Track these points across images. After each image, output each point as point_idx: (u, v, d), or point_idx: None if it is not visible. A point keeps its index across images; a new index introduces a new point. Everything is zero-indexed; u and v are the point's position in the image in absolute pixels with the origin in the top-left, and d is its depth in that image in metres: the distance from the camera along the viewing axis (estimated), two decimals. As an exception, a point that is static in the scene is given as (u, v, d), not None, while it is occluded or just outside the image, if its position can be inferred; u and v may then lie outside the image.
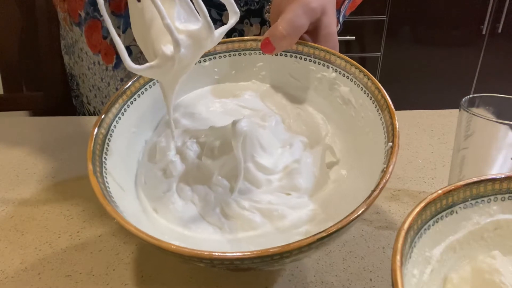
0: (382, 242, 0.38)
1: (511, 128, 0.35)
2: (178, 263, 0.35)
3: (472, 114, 0.37)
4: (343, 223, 0.26)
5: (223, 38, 0.35)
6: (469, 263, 0.26)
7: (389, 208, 0.43)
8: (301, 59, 0.42)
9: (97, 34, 0.63)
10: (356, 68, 0.38)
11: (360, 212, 0.26)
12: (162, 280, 0.34)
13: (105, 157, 0.33)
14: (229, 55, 0.44)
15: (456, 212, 0.26)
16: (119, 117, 0.37)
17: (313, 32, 0.42)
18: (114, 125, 0.36)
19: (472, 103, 0.39)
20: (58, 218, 0.41)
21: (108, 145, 0.34)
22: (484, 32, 1.91)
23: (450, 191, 0.25)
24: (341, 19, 0.58)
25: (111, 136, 0.35)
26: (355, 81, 0.38)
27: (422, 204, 0.24)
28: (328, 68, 0.40)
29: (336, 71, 0.39)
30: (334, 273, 0.35)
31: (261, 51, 0.41)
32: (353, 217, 0.26)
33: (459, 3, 1.83)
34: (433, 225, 0.25)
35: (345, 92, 0.39)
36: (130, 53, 0.61)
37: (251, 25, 0.60)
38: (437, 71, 1.93)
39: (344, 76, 0.39)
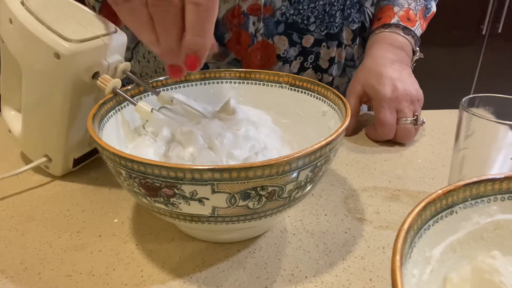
0: (382, 242, 0.38)
1: (511, 128, 0.35)
2: (178, 263, 0.36)
3: (472, 114, 0.37)
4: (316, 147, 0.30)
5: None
6: (469, 263, 0.26)
7: (389, 208, 0.43)
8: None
9: None
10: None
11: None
12: (162, 280, 0.34)
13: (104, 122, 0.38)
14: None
15: (456, 212, 0.26)
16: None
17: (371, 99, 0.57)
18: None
19: (472, 103, 0.39)
20: (58, 218, 0.41)
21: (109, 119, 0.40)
22: (484, 32, 1.91)
23: (450, 191, 0.25)
24: (418, 34, 0.64)
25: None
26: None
27: (422, 204, 0.24)
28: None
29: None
30: (334, 273, 0.35)
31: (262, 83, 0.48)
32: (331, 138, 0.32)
33: (459, 3, 1.83)
34: (433, 225, 0.25)
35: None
36: (207, 68, 0.64)
37: (328, 47, 0.65)
38: (437, 71, 1.94)
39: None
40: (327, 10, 0.61)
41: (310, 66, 0.65)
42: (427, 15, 0.66)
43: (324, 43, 0.64)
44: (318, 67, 0.66)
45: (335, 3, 0.62)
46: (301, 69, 0.65)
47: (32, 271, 0.35)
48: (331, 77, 0.67)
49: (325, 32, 0.63)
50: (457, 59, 1.96)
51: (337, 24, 0.63)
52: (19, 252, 0.37)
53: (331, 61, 0.66)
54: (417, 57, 0.64)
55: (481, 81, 2.02)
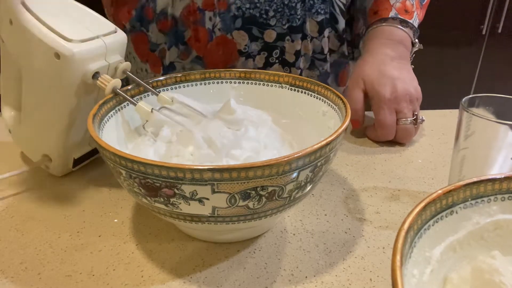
0: (382, 242, 0.38)
1: (511, 128, 0.35)
2: (178, 263, 0.36)
3: (472, 114, 0.37)
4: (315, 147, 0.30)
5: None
6: (469, 263, 0.26)
7: (389, 208, 0.43)
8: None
9: (144, 46, 0.65)
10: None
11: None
12: (162, 280, 0.34)
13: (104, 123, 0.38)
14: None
15: (456, 212, 0.26)
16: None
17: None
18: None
19: (472, 103, 0.39)
20: (58, 218, 0.41)
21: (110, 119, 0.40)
22: (484, 32, 1.91)
23: (450, 191, 0.25)
24: (416, 25, 0.63)
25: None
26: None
27: (422, 204, 0.24)
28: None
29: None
30: (334, 273, 0.35)
31: (263, 83, 0.48)
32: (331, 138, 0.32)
33: (459, 3, 1.83)
34: (433, 225, 0.25)
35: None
36: (174, 68, 0.65)
37: (292, 41, 0.63)
38: (437, 71, 1.93)
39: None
40: (286, 2, 0.60)
41: (276, 61, 0.64)
42: (423, 3, 0.65)
43: (288, 37, 0.63)
44: (285, 61, 0.65)
45: None
46: (267, 64, 0.64)
47: (32, 271, 0.35)
48: (299, 70, 0.66)
49: (287, 25, 0.62)
50: (457, 59, 1.96)
51: (299, 17, 0.62)
52: (19, 252, 0.37)
53: (297, 54, 0.65)
54: (417, 49, 0.63)
55: (481, 81, 2.02)
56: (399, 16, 0.61)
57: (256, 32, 0.61)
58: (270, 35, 0.62)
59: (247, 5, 0.59)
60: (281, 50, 0.63)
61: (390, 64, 0.57)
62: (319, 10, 0.63)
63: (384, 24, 0.61)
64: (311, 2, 0.62)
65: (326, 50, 0.67)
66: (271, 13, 0.60)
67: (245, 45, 0.62)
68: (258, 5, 0.59)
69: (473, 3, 1.84)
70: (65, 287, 0.33)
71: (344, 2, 0.66)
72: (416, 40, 0.63)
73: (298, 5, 0.61)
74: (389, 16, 0.61)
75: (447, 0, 1.81)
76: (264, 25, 0.61)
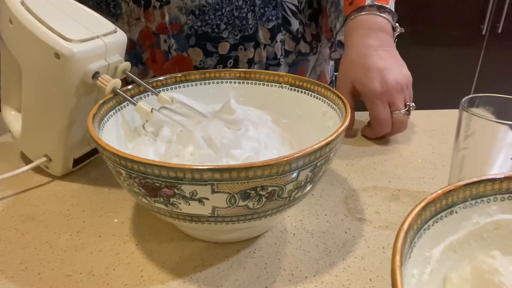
0: (382, 242, 0.38)
1: (511, 128, 0.35)
2: (178, 263, 0.36)
3: (472, 114, 0.37)
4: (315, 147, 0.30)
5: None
6: (469, 263, 0.26)
7: (389, 208, 0.43)
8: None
9: None
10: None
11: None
12: (162, 280, 0.34)
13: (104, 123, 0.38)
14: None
15: (456, 212, 0.26)
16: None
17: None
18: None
19: (472, 103, 0.39)
20: (58, 218, 0.41)
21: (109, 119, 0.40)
22: (484, 32, 1.91)
23: (450, 191, 0.25)
24: (393, 9, 0.61)
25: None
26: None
27: (422, 204, 0.24)
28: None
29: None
30: (334, 273, 0.35)
31: (263, 83, 0.48)
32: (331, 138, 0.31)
33: (459, 3, 1.83)
34: (433, 225, 0.25)
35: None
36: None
37: (245, 49, 0.64)
38: (437, 71, 1.93)
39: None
40: (236, 14, 0.61)
41: None
42: None
43: (241, 46, 0.63)
44: None
45: (243, 6, 0.60)
46: None
47: (32, 271, 0.35)
48: None
49: (239, 35, 0.62)
50: (457, 59, 1.96)
51: (251, 26, 0.62)
52: (19, 252, 0.37)
53: (250, 62, 0.65)
54: (398, 33, 0.60)
55: (481, 81, 2.02)
56: (376, 3, 0.58)
57: (210, 47, 0.62)
58: (224, 47, 0.63)
59: (199, 23, 0.60)
60: (234, 59, 0.64)
61: (375, 55, 0.55)
62: (270, 17, 0.63)
63: (361, 13, 0.59)
64: (262, 10, 0.62)
65: (279, 55, 0.67)
66: (222, 26, 0.61)
67: (200, 61, 0.63)
68: (209, 21, 0.60)
69: (473, 3, 1.84)
70: (65, 287, 0.33)
71: (296, 3, 0.66)
72: (397, 24, 0.60)
73: (249, 15, 0.61)
74: (366, 4, 0.59)
75: (447, 0, 1.81)
76: (217, 39, 0.62)
